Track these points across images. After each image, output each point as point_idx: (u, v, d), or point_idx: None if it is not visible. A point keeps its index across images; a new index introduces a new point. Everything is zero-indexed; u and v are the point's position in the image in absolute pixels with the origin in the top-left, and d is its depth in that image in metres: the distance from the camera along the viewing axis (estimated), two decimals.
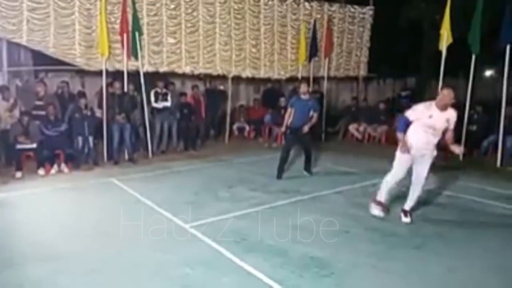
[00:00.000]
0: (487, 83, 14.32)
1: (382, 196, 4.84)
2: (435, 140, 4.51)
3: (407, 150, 4.49)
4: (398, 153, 4.66)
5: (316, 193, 5.94)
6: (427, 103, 4.52)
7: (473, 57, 8.15)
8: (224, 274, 3.53)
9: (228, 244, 4.08)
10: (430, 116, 4.41)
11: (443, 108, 4.39)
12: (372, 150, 9.56)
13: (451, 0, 8.31)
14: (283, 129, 6.93)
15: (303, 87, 6.66)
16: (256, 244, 4.13)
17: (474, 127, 8.74)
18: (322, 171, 7.32)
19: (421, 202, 5.50)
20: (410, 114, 4.56)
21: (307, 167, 7.02)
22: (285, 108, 7.45)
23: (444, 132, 4.51)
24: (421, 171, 4.60)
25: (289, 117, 6.72)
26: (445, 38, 8.49)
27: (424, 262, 3.77)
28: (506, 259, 3.84)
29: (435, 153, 4.57)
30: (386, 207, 4.91)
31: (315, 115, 6.68)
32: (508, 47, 7.58)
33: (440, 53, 8.66)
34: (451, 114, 4.45)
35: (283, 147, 6.77)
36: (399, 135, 4.60)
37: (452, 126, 4.50)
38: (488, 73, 18.44)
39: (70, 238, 4.30)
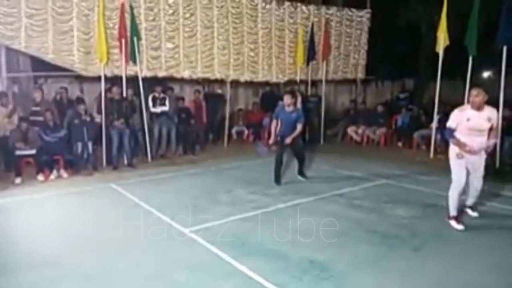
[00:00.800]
0: (484, 85, 14.32)
1: (452, 211, 4.70)
2: (485, 139, 4.51)
3: (465, 152, 4.47)
4: (452, 161, 4.64)
5: (316, 196, 5.94)
6: (461, 107, 4.57)
7: (470, 58, 8.18)
8: (224, 278, 3.53)
9: (227, 248, 4.08)
10: (468, 119, 4.42)
11: (478, 108, 4.39)
12: (371, 153, 9.58)
13: (448, 2, 8.36)
14: (271, 141, 6.76)
15: (287, 99, 6.45)
16: (256, 248, 4.13)
17: None
18: (322, 174, 7.33)
19: (420, 203, 5.54)
20: (451, 123, 4.56)
21: (301, 171, 6.99)
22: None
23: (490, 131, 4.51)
24: (479, 173, 4.63)
25: (275, 129, 6.65)
26: (442, 40, 8.54)
27: (422, 262, 3.78)
28: (502, 258, 3.85)
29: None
30: (461, 216, 4.81)
31: (299, 127, 6.53)
32: (505, 48, 7.61)
33: (437, 54, 8.70)
34: (491, 112, 4.46)
35: (276, 153, 6.70)
36: (453, 141, 4.58)
37: (495, 124, 4.53)
38: (486, 74, 18.51)
39: (69, 244, 4.31)
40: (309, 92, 11.24)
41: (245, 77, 10.17)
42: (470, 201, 4.97)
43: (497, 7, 7.91)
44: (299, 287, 3.38)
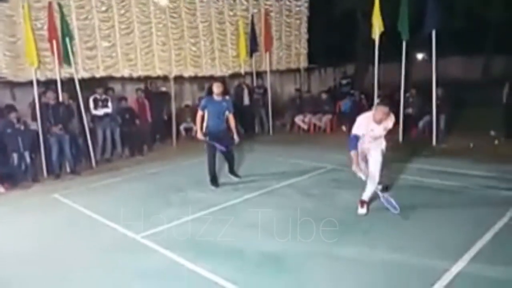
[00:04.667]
0: (419, 66, 15.16)
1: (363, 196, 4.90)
2: (378, 141, 4.79)
3: (358, 171, 4.59)
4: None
5: (267, 188, 5.99)
6: (367, 116, 4.70)
7: (404, 42, 8.59)
8: (181, 283, 3.48)
9: (181, 251, 4.02)
10: (372, 130, 4.67)
11: (379, 122, 4.62)
12: (318, 140, 9.81)
13: None
14: (199, 135, 6.19)
15: (218, 87, 6.13)
16: (211, 247, 4.10)
17: (410, 110, 9.22)
18: (272, 165, 7.39)
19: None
20: (358, 130, 4.64)
21: (232, 170, 6.61)
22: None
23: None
24: (371, 166, 4.80)
25: (201, 121, 6.18)
26: (377, 26, 8.88)
27: (371, 245, 3.94)
28: (444, 235, 4.09)
29: (383, 146, 4.82)
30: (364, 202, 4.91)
31: (231, 116, 6.28)
32: (433, 32, 8.05)
33: (374, 40, 9.04)
34: (388, 122, 4.69)
35: (207, 152, 6.25)
36: (354, 153, 4.58)
37: (389, 127, 4.75)
38: (420, 56, 19.57)
39: (12, 264, 4.02)
40: (254, 84, 11.27)
41: (189, 72, 9.99)
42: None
43: None
44: (257, 282, 3.40)
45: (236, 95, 10.90)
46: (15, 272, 3.88)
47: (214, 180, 6.29)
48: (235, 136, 6.36)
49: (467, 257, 3.57)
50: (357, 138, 4.63)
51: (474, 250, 3.68)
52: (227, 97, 6.42)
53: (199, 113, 6.20)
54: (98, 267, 3.87)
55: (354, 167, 4.57)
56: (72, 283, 3.60)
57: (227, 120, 6.35)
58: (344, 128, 10.57)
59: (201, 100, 6.35)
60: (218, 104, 6.16)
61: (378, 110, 4.57)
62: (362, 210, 4.81)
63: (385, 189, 5.39)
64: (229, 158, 6.55)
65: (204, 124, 6.20)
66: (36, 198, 6.26)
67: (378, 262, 3.62)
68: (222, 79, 7.30)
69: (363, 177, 4.66)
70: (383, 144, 4.85)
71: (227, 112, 6.25)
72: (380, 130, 4.69)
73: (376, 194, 4.77)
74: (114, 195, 6.22)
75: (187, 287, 3.41)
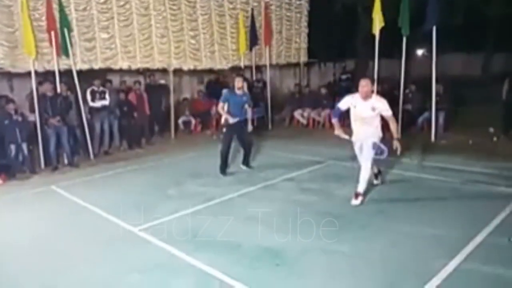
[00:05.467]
0: (419, 62, 15.13)
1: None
2: (371, 128, 4.76)
3: (341, 134, 4.92)
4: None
5: (265, 182, 5.99)
6: (353, 94, 4.83)
7: (404, 38, 8.55)
8: (178, 276, 3.48)
9: (179, 244, 4.01)
10: (355, 106, 4.76)
11: (364, 97, 4.66)
12: (317, 135, 9.80)
13: None
14: (228, 117, 6.47)
15: (238, 82, 6.49)
16: (209, 241, 4.09)
17: (409, 106, 9.21)
18: (271, 160, 7.39)
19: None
20: (341, 104, 4.91)
21: (246, 161, 6.85)
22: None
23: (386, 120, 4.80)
24: (363, 155, 4.85)
25: (223, 111, 6.51)
26: (378, 21, 8.84)
27: (368, 240, 3.95)
28: (441, 231, 4.09)
29: (375, 138, 4.78)
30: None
31: (249, 109, 6.62)
32: (434, 28, 8.02)
33: (374, 35, 9.00)
34: (376, 102, 4.70)
35: (222, 142, 6.57)
36: (334, 120, 5.01)
37: (384, 113, 4.72)
38: (420, 52, 19.53)
39: (8, 256, 4.02)
40: (254, 78, 11.23)
41: (188, 65, 9.94)
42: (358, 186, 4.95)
43: None
44: (254, 276, 3.40)
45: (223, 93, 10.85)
46: (12, 263, 3.87)
47: (224, 169, 6.53)
48: (249, 125, 6.67)
49: (464, 253, 3.57)
50: (339, 111, 4.95)
51: (472, 246, 3.69)
52: (246, 91, 6.82)
53: (220, 104, 6.54)
54: (96, 259, 3.86)
55: (336, 132, 4.94)
56: (69, 275, 3.59)
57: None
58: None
59: (223, 94, 6.69)
60: (239, 98, 6.47)
61: (361, 84, 4.69)
62: (355, 201, 4.84)
63: (377, 174, 5.50)
64: (247, 148, 6.81)
65: (224, 116, 6.52)
66: (34, 189, 6.23)
67: (375, 256, 3.62)
68: (242, 75, 7.60)
69: (346, 137, 4.94)
70: (378, 133, 4.82)
71: (246, 106, 6.55)
72: (367, 109, 4.70)
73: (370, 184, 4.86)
74: (112, 188, 6.21)
75: (185, 280, 3.40)
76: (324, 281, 3.30)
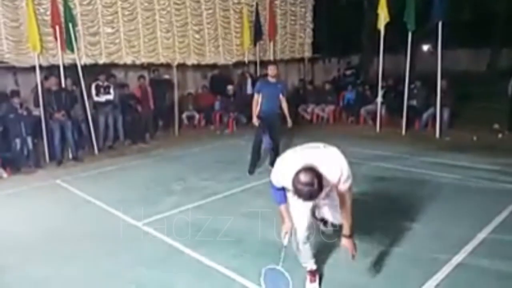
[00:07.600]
0: (425, 58, 15.03)
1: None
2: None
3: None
4: None
5: (268, 178, 5.95)
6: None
7: (410, 34, 8.49)
8: (181, 270, 3.49)
9: (183, 239, 4.03)
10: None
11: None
12: (320, 130, 9.77)
13: None
14: (254, 120, 6.02)
15: (273, 69, 5.94)
16: (212, 236, 4.10)
17: (414, 102, 9.16)
18: None
19: (369, 177, 5.74)
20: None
21: (274, 161, 6.51)
22: (251, 96, 6.64)
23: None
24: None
25: (257, 105, 6.00)
26: (383, 17, 8.78)
27: (371, 235, 3.93)
28: (445, 227, 4.08)
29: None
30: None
31: (284, 100, 6.07)
32: (440, 24, 7.95)
33: (379, 31, 8.94)
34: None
35: (255, 137, 6.09)
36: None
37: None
38: (425, 48, 19.39)
39: (13, 249, 4.05)
40: (258, 73, 11.19)
41: (192, 60, 9.94)
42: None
43: None
44: (257, 271, 3.40)
45: (239, 84, 10.84)
46: (16, 256, 3.90)
47: (253, 168, 6.16)
48: (289, 120, 6.18)
49: (468, 249, 3.57)
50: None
51: (475, 242, 3.69)
52: (281, 79, 6.22)
53: (255, 97, 6.05)
54: (99, 253, 3.89)
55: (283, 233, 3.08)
56: (72, 268, 3.62)
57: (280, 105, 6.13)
58: (351, 120, 10.51)
59: (256, 85, 6.21)
60: (274, 87, 5.99)
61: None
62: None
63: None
64: (276, 144, 6.24)
65: (258, 108, 6.02)
66: (39, 183, 6.27)
67: (378, 252, 3.62)
68: (274, 62, 7.13)
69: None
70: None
71: (281, 95, 6.05)
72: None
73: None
74: (116, 182, 6.23)
75: (187, 274, 3.42)
76: (326, 275, 3.31)
